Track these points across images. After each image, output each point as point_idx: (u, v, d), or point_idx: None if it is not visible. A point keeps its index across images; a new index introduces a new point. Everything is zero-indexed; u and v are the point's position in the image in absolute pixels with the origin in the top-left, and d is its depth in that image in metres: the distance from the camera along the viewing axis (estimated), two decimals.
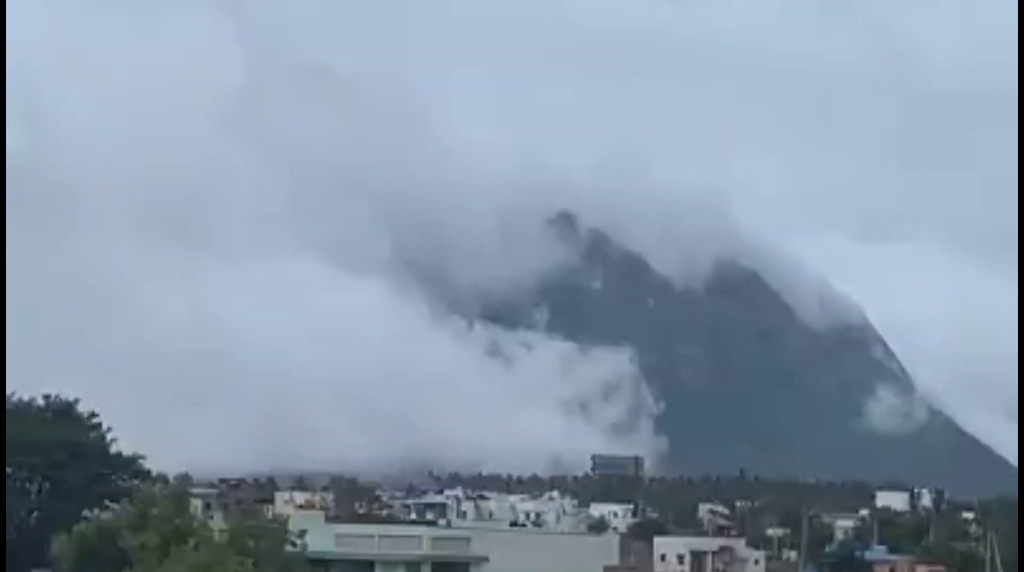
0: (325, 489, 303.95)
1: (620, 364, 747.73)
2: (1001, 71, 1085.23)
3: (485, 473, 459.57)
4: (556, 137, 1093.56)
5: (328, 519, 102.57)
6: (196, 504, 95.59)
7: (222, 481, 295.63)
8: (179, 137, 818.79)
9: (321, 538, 72.27)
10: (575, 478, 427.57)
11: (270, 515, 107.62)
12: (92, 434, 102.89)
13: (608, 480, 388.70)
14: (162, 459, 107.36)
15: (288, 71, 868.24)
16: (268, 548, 63.66)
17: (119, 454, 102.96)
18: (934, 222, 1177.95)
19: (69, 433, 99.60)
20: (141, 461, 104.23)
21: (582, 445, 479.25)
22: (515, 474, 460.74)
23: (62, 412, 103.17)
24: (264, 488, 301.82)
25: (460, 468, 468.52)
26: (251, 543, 63.60)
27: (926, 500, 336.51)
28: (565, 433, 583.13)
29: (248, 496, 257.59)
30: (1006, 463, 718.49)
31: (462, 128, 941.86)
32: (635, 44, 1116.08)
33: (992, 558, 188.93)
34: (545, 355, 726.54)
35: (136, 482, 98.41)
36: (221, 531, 68.36)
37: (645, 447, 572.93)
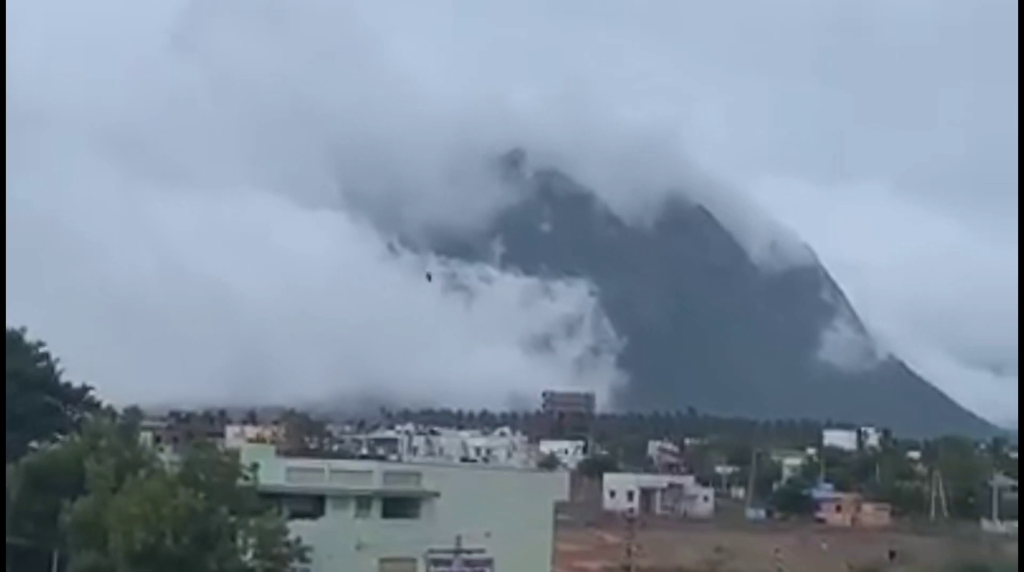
0: (276, 423, 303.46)
1: (579, 298, 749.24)
2: (956, 25, 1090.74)
3: (437, 409, 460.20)
4: (509, 74, 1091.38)
5: (279, 453, 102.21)
6: (146, 437, 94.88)
7: (172, 414, 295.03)
8: (126, 68, 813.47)
9: (272, 472, 72.07)
10: (527, 415, 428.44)
11: (221, 449, 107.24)
12: (40, 365, 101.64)
13: (560, 417, 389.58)
14: (113, 392, 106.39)
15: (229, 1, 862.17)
16: (219, 481, 63.46)
17: (68, 385, 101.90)
18: (885, 167, 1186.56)
19: (15, 363, 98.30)
20: (91, 393, 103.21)
21: (540, 381, 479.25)
22: (466, 410, 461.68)
23: (8, 342, 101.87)
24: (215, 422, 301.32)
25: (414, 404, 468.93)
26: (202, 476, 63.41)
27: (873, 440, 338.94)
28: (523, 369, 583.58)
29: (199, 429, 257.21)
30: (953, 404, 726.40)
31: (414, 63, 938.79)
32: None
33: (937, 497, 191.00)
34: (501, 290, 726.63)
35: (86, 414, 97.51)
36: (171, 464, 68.13)
37: (605, 383, 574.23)
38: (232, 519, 63.15)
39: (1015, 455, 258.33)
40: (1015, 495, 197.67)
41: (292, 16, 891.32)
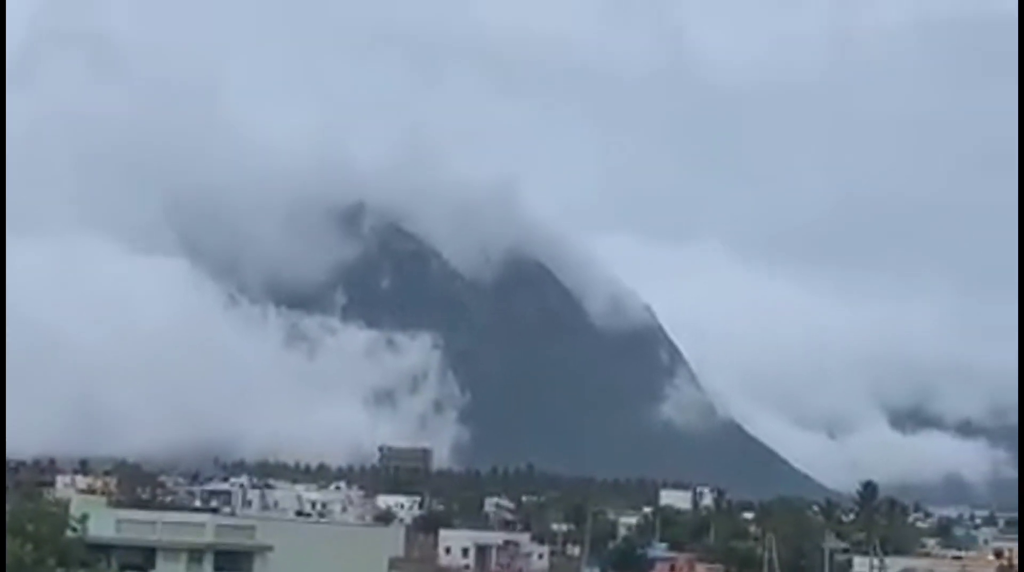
0: (108, 473, 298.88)
1: (423, 352, 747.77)
2: (796, 80, 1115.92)
3: (274, 461, 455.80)
4: (352, 126, 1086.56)
5: (110, 504, 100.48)
6: None
7: None
8: None
9: (102, 523, 70.69)
10: (363, 469, 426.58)
11: (51, 498, 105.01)
12: None
13: (397, 472, 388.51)
14: None
15: (64, 39, 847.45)
16: (47, 532, 61.92)
17: None
18: (723, 226, 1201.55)
19: None
20: None
21: (383, 435, 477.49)
22: (303, 463, 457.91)
23: None
24: (45, 471, 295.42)
25: (250, 456, 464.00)
26: (29, 526, 61.80)
27: (708, 499, 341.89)
28: (365, 422, 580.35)
29: (28, 479, 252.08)
30: (787, 466, 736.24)
31: (255, 112, 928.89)
32: (434, 35, 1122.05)
33: (770, 558, 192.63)
34: (343, 342, 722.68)
35: None
36: None
37: (447, 438, 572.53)
38: (60, 571, 61.68)
39: (847, 517, 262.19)
40: (846, 557, 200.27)
41: (129, 59, 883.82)
